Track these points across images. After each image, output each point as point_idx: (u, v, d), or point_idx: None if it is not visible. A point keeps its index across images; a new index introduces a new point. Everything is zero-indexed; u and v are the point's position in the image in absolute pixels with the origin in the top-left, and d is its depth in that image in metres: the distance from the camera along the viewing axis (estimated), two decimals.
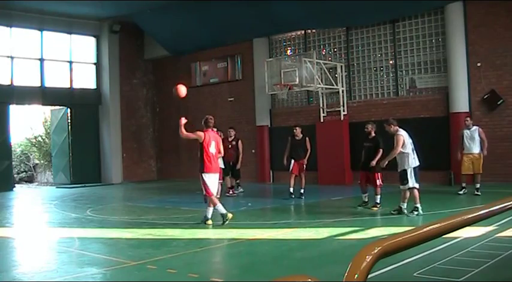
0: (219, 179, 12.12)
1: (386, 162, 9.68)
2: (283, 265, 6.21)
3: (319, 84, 16.74)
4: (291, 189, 12.68)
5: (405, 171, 9.32)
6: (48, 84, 20.19)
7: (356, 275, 1.70)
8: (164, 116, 22.84)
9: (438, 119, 15.29)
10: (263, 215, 11.20)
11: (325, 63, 17.19)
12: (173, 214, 11.08)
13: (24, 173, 25.29)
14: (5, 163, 18.91)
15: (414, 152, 9.55)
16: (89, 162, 21.06)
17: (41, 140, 25.56)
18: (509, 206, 2.68)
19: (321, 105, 17.52)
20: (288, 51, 18.97)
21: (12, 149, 21.28)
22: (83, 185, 19.65)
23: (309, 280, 1.67)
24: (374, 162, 10.23)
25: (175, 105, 22.27)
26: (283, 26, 18.28)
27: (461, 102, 14.79)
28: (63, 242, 8.15)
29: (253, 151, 19.17)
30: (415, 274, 5.28)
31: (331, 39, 17.90)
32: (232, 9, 17.98)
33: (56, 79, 20.57)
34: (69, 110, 21.05)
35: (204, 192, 9.20)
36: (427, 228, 2.11)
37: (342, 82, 17.16)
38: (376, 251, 1.81)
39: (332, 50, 17.89)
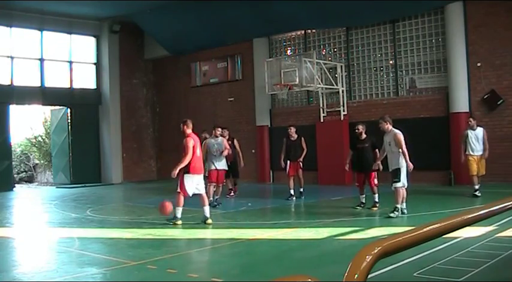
0: (223, 181, 12.11)
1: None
2: (283, 265, 6.21)
3: (319, 84, 16.74)
4: (291, 191, 12.67)
5: (399, 170, 9.19)
6: (48, 84, 20.19)
7: (356, 275, 1.70)
8: (164, 116, 22.84)
9: (438, 119, 15.29)
10: (263, 215, 11.20)
11: (325, 63, 17.19)
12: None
13: (24, 173, 25.29)
14: (5, 163, 18.92)
15: None
16: (89, 162, 21.06)
17: (41, 140, 25.57)
18: (509, 206, 2.69)
19: (321, 105, 17.52)
20: (288, 51, 18.97)
21: (12, 149, 21.29)
22: (83, 185, 19.66)
23: (309, 280, 1.67)
24: (378, 163, 10.12)
25: (176, 105, 22.30)
26: (283, 26, 18.28)
27: (461, 102, 14.79)
28: (63, 242, 8.15)
29: (253, 151, 19.17)
30: (415, 274, 5.28)
31: (331, 39, 17.91)
32: (232, 9, 17.98)
33: (56, 79, 20.58)
34: (69, 110, 21.05)
35: (178, 189, 9.17)
36: (427, 228, 2.11)
37: (342, 82, 17.17)
38: (376, 251, 1.81)
39: (332, 50, 17.90)
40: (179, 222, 9.21)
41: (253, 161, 19.09)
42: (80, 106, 21.03)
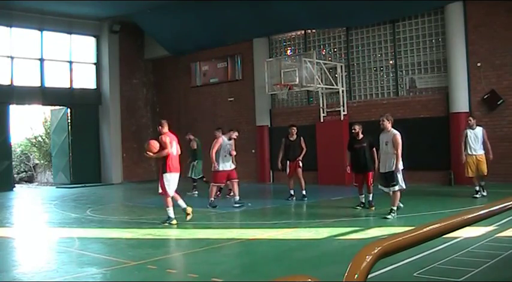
0: (227, 180, 12.04)
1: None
2: (283, 265, 6.20)
3: (319, 84, 16.74)
4: (292, 191, 12.65)
5: (394, 173, 9.06)
6: (48, 84, 20.20)
7: (356, 275, 1.70)
8: (164, 116, 22.72)
9: (438, 119, 15.29)
10: (263, 215, 11.19)
11: (325, 63, 17.19)
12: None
13: (24, 173, 25.29)
14: (5, 163, 18.92)
15: None
16: (89, 162, 21.06)
17: (41, 140, 25.57)
18: (509, 206, 2.68)
19: (321, 105, 17.52)
20: (288, 51, 18.97)
21: (12, 149, 21.29)
22: (83, 185, 19.66)
23: (309, 280, 1.67)
24: (399, 164, 10.01)
25: (176, 105, 22.30)
26: (283, 26, 18.28)
27: (461, 102, 14.79)
28: (63, 242, 8.15)
29: (253, 151, 19.18)
30: (415, 274, 5.28)
31: (331, 39, 17.91)
32: (232, 9, 17.98)
33: (56, 79, 20.58)
34: (69, 110, 21.06)
35: (161, 191, 9.33)
36: (427, 228, 2.11)
37: (342, 82, 17.17)
38: (376, 251, 1.81)
39: (332, 50, 17.90)
40: (174, 221, 9.25)
41: (253, 161, 19.10)
42: (80, 106, 21.04)
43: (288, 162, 12.63)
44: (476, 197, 11.41)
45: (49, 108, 22.88)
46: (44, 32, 20.02)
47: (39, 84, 19.96)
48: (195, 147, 14.96)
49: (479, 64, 14.64)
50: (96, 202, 14.28)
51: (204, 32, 19.69)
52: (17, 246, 8.37)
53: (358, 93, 17.29)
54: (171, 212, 9.30)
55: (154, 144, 9.32)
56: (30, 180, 25.01)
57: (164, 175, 9.29)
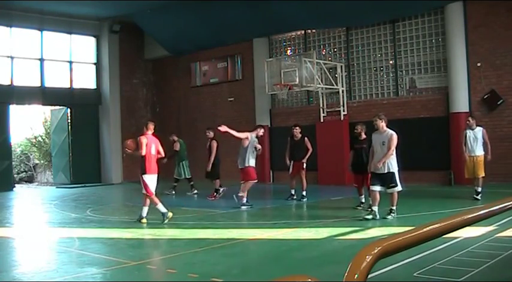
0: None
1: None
2: (283, 265, 6.20)
3: (319, 84, 16.75)
4: (292, 191, 12.63)
5: (393, 173, 8.97)
6: (48, 84, 20.19)
7: (356, 275, 1.70)
8: (164, 116, 22.82)
9: (438, 119, 15.29)
10: (263, 215, 11.18)
11: (325, 63, 17.19)
12: (173, 214, 11.06)
13: (24, 173, 25.29)
14: (5, 163, 18.91)
15: None
16: (89, 162, 21.06)
17: (41, 140, 25.58)
18: (509, 206, 2.69)
19: (321, 105, 17.52)
20: (288, 51, 18.97)
21: (12, 149, 21.29)
22: (83, 185, 19.65)
23: (309, 280, 1.66)
24: (381, 163, 10.01)
25: (176, 105, 22.31)
26: (283, 26, 18.28)
27: (461, 102, 14.80)
28: (63, 242, 8.15)
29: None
30: (415, 274, 5.28)
31: (331, 39, 17.91)
32: (232, 9, 17.98)
33: (56, 79, 20.58)
34: (69, 110, 21.05)
35: (144, 191, 9.66)
36: (427, 228, 2.11)
37: (342, 82, 17.17)
38: (376, 251, 1.81)
39: (332, 50, 17.90)
40: (144, 220, 9.61)
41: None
42: (80, 106, 21.03)
43: (292, 162, 12.60)
44: (477, 199, 11.11)
45: (49, 108, 22.88)
46: (44, 32, 20.02)
47: (39, 84, 19.95)
48: (178, 148, 15.06)
49: (479, 64, 14.64)
50: (96, 202, 14.28)
51: (204, 32, 19.69)
52: (17, 246, 8.36)
53: (358, 93, 17.29)
54: (145, 211, 9.67)
55: (130, 145, 9.87)
56: (30, 180, 25.01)
57: (144, 176, 9.62)
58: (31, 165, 25.61)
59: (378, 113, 9.85)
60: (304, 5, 16.61)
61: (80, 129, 21.02)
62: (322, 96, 17.53)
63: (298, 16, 17.39)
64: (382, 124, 9.16)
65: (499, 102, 14.33)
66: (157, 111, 23.21)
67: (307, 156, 12.49)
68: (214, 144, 13.50)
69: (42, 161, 25.35)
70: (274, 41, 19.38)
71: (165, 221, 9.37)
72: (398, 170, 9.11)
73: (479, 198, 11.12)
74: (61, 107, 21.40)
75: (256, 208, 11.69)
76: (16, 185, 21.00)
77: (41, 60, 20.05)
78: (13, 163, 21.27)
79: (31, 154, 25.86)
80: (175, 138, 15.29)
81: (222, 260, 6.60)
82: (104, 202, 14.58)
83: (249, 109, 19.63)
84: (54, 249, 7.87)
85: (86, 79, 21.51)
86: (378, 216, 9.00)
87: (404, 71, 16.32)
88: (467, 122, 11.70)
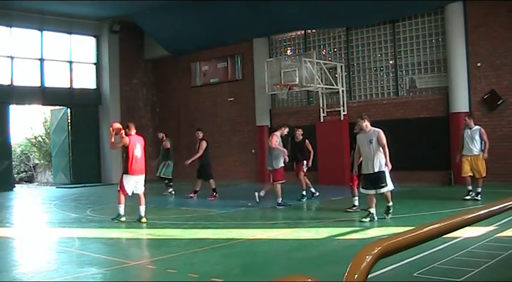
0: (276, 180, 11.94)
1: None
2: (283, 265, 6.20)
3: (319, 84, 16.74)
4: (303, 192, 12.69)
5: (383, 172, 8.84)
6: (48, 84, 20.20)
7: (356, 275, 1.70)
8: (164, 116, 22.84)
9: (438, 119, 15.29)
10: (263, 215, 11.19)
11: (325, 63, 17.19)
12: (173, 214, 11.08)
13: (24, 173, 25.29)
14: (5, 163, 18.91)
15: None
16: (89, 162, 21.05)
17: (41, 140, 25.57)
18: (509, 206, 2.68)
19: (321, 105, 17.52)
20: (288, 51, 18.97)
21: (12, 149, 21.30)
22: (83, 185, 19.66)
23: (309, 280, 1.66)
24: (388, 163, 9.93)
25: (176, 105, 22.30)
26: (283, 26, 18.28)
27: (461, 102, 14.80)
28: (63, 242, 8.15)
29: (253, 151, 19.17)
30: (415, 274, 5.28)
31: (331, 39, 17.91)
32: (232, 9, 17.98)
33: (56, 79, 20.58)
34: (69, 110, 21.06)
35: (118, 188, 9.93)
36: (427, 228, 2.11)
37: (342, 82, 17.17)
38: (376, 251, 1.81)
39: (332, 50, 17.90)
40: (123, 219, 9.77)
41: (253, 161, 19.08)
42: (80, 106, 21.03)
43: (294, 163, 12.66)
44: (477, 199, 10.99)
45: (49, 108, 22.87)
46: (44, 32, 20.02)
47: (39, 84, 19.95)
48: (169, 146, 15.06)
49: (479, 64, 14.64)
50: (96, 202, 14.28)
51: (204, 32, 19.69)
52: (17, 246, 8.36)
53: (358, 93, 17.29)
54: (121, 209, 9.84)
55: (114, 126, 10.08)
56: (30, 180, 25.00)
57: (124, 176, 9.85)
58: (31, 165, 25.61)
59: (361, 113, 9.80)
60: (304, 5, 16.61)
61: (80, 129, 21.02)
62: (322, 96, 17.53)
63: (298, 16, 17.39)
64: (366, 123, 9.02)
65: (499, 102, 14.33)
66: (157, 111, 23.22)
67: (311, 159, 12.59)
68: (204, 144, 13.63)
69: (42, 161, 25.34)
70: (274, 41, 19.38)
71: (114, 221, 9.75)
72: (390, 170, 8.93)
73: (479, 198, 11.08)
74: (61, 107, 21.40)
75: (256, 208, 11.71)
76: (16, 185, 20.99)
77: (41, 60, 20.05)
78: (13, 163, 21.28)
79: (31, 154, 25.86)
80: (164, 136, 15.34)
81: (222, 260, 6.60)
82: (104, 202, 14.56)
83: (249, 109, 19.62)
84: (54, 249, 7.87)
85: (85, 79, 21.51)
86: (375, 218, 8.96)
87: (404, 71, 16.32)
88: (464, 121, 11.68)
